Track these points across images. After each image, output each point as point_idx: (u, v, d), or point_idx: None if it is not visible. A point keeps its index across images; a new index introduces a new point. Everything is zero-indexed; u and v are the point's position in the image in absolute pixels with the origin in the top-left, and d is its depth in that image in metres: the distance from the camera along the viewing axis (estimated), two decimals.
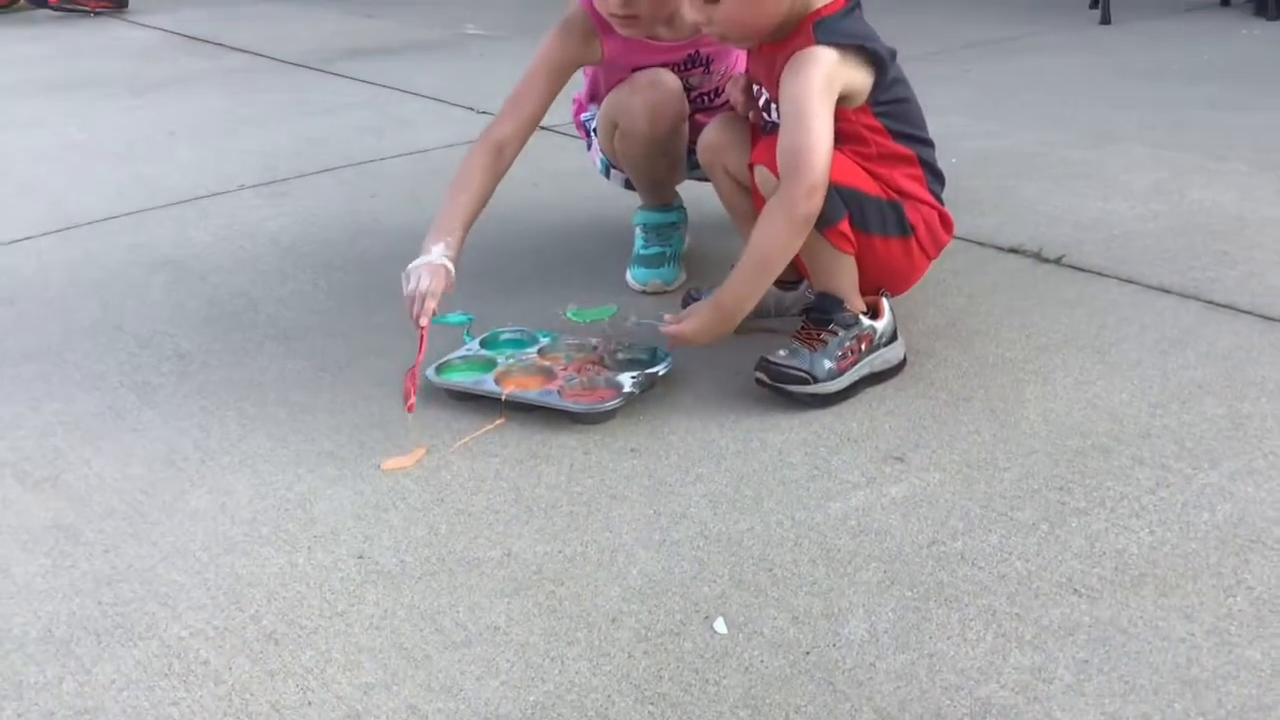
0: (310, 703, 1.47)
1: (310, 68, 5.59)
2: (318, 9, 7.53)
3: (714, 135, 2.36)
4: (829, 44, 2.04)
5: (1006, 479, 1.88)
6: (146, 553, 1.79)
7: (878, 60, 2.09)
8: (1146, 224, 2.96)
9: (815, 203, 2.01)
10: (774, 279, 2.14)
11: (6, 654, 1.57)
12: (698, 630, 1.57)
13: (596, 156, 2.81)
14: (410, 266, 2.23)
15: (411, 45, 6.10)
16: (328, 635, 1.59)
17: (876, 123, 2.12)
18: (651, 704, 1.44)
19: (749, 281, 2.10)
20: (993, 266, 2.75)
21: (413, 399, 2.12)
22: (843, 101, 2.07)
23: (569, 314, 2.58)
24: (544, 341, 2.34)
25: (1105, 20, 5.88)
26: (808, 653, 1.52)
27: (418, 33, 6.47)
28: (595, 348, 2.30)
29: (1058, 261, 2.75)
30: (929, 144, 2.23)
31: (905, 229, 2.16)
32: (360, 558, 1.76)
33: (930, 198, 2.22)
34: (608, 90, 2.57)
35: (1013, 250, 2.83)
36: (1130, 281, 2.61)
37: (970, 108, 4.21)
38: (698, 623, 1.59)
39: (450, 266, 2.24)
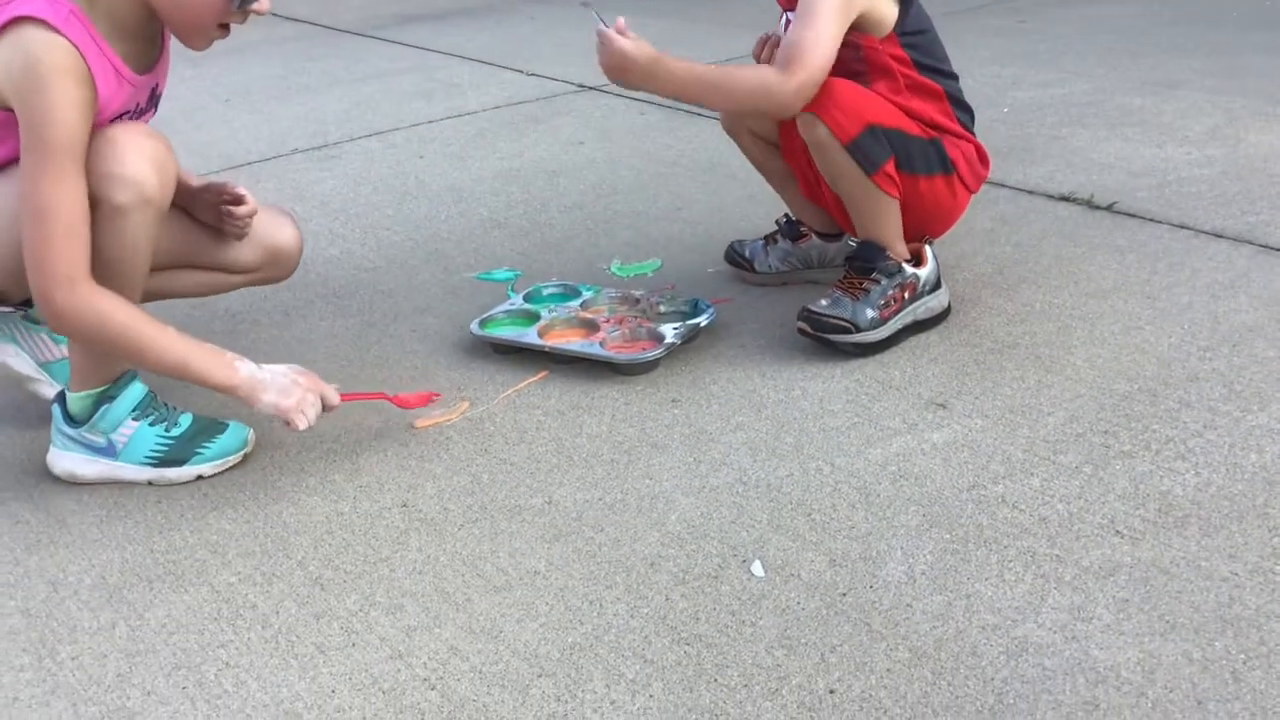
0: (354, 644, 1.50)
1: (362, 35, 5.62)
2: None
3: None
4: None
5: (1050, 423, 1.87)
6: (197, 502, 1.83)
7: None
8: (1201, 169, 2.90)
9: (800, 99, 2.00)
10: (707, 104, 2.05)
11: (62, 600, 1.62)
12: (735, 573, 1.58)
13: None
14: (272, 388, 1.80)
15: (461, 10, 6.11)
16: (372, 580, 1.62)
17: (903, 53, 2.10)
18: (688, 644, 1.45)
19: (691, 86, 2.01)
20: (1042, 214, 2.71)
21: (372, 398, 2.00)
22: (869, 29, 2.06)
23: (613, 269, 2.59)
24: (587, 295, 2.35)
25: None
26: (844, 594, 1.52)
27: None
28: (638, 300, 2.31)
29: (1109, 208, 2.70)
30: (953, 77, 2.19)
31: (947, 165, 2.14)
32: (404, 506, 1.79)
33: (964, 130, 2.19)
34: None
35: (1063, 198, 2.79)
36: (1183, 227, 2.57)
37: (1024, 58, 4.13)
38: (735, 566, 1.59)
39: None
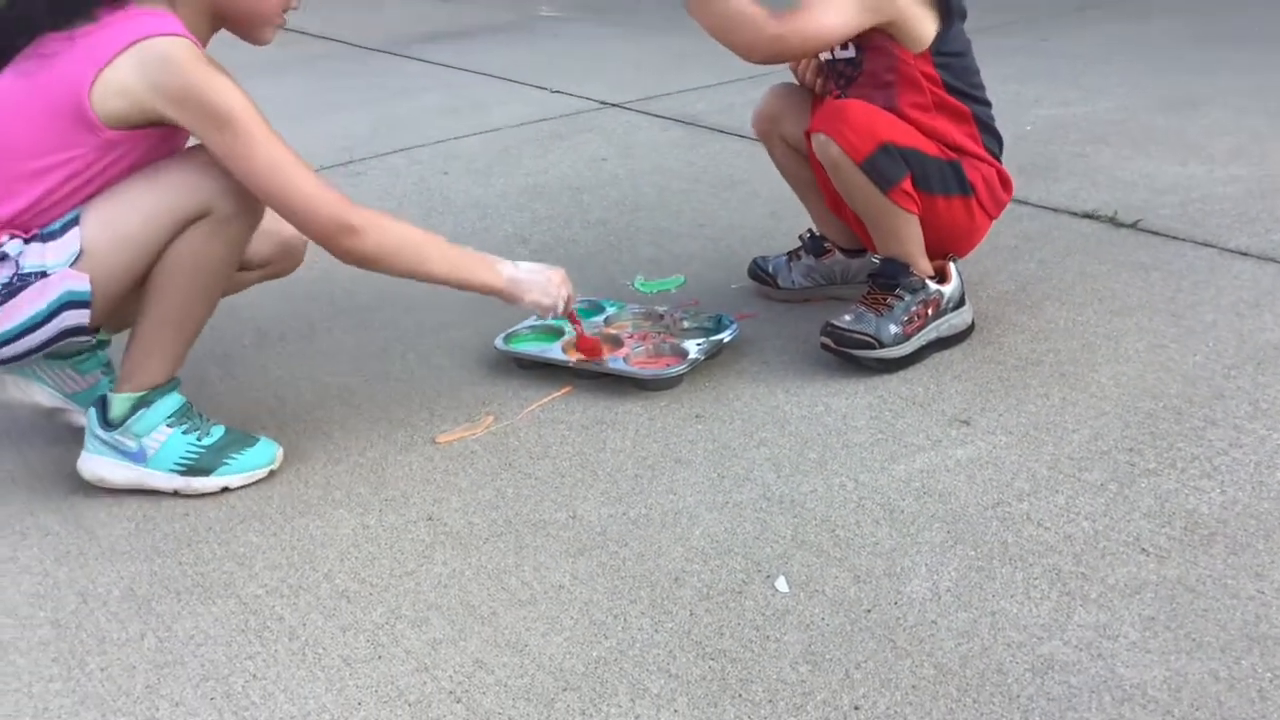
0: (380, 656, 1.51)
1: (388, 53, 5.66)
2: None
3: (770, 104, 2.36)
4: None
5: (1075, 441, 1.86)
6: (225, 515, 1.84)
7: (946, 8, 2.08)
8: (1226, 187, 2.90)
9: (772, 49, 2.03)
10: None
11: (91, 611, 1.64)
12: (759, 589, 1.58)
13: None
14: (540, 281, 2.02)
15: (486, 28, 6.15)
16: (398, 593, 1.63)
17: (934, 72, 2.10)
18: (712, 659, 1.46)
19: None
20: (1066, 232, 2.71)
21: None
22: (904, 41, 2.07)
23: (637, 284, 2.60)
24: (611, 310, 2.36)
25: None
26: (869, 610, 1.52)
27: (492, 16, 6.52)
28: (661, 316, 2.32)
29: (1133, 226, 2.70)
30: (985, 103, 2.20)
31: (965, 188, 2.14)
32: (429, 520, 1.80)
33: (987, 155, 2.19)
34: None
35: (1087, 215, 2.79)
36: (1207, 245, 2.56)
37: (1047, 76, 4.13)
38: (759, 582, 1.60)
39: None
